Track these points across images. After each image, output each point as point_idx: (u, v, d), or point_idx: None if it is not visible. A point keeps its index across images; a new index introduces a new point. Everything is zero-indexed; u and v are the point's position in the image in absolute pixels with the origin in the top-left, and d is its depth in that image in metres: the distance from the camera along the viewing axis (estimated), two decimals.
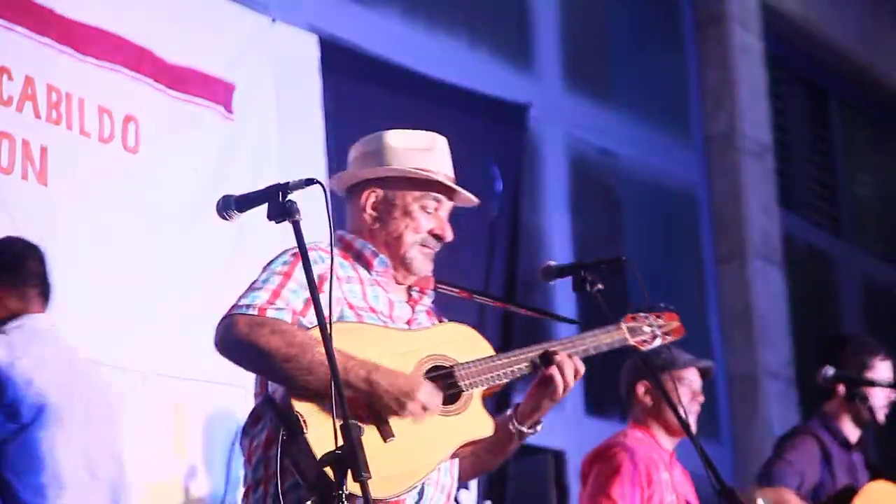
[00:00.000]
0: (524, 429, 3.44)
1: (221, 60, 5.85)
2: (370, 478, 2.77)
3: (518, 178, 7.05)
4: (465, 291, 3.88)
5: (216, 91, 5.82)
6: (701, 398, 5.02)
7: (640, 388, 5.02)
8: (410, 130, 3.53)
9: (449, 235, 3.50)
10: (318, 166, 6.00)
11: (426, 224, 3.47)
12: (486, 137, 6.73)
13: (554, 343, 3.49)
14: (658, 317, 3.74)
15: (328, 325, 2.95)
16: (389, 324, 3.39)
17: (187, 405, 5.45)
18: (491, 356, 3.40)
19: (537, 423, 3.47)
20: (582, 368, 3.45)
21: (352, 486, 2.83)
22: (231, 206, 3.20)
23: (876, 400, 5.56)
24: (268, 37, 6.09)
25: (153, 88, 5.55)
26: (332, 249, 3.12)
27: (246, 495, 3.33)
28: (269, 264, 3.34)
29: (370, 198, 3.48)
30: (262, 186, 3.19)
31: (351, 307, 3.34)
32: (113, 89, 5.41)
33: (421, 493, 3.28)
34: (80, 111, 5.28)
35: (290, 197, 3.11)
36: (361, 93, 6.46)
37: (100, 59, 5.36)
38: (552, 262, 4.01)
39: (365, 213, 3.48)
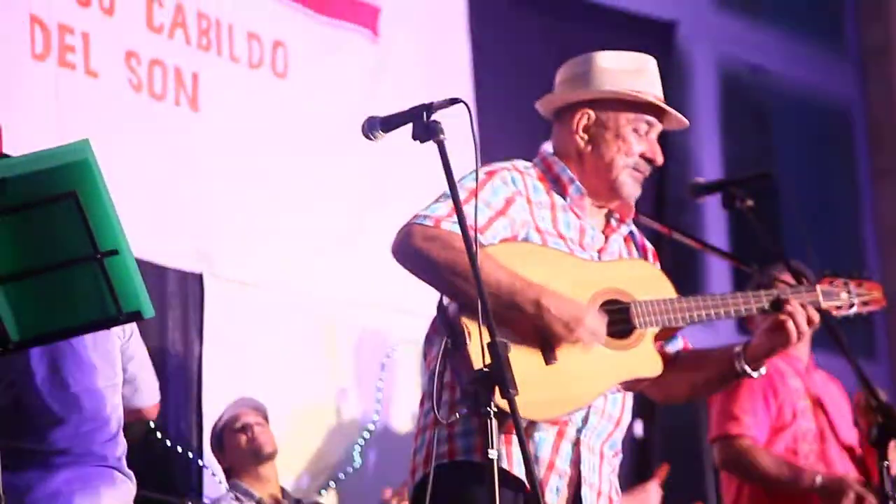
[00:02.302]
0: (749, 369, 3.43)
1: None
2: (517, 394, 2.79)
3: (666, 97, 6.95)
4: (665, 227, 3.84)
5: (363, 14, 5.85)
6: None
7: None
8: (620, 52, 3.48)
9: (660, 159, 3.45)
10: (464, 87, 6.00)
11: (638, 147, 3.42)
12: None
13: (759, 294, 3.42)
14: (859, 284, 3.61)
15: (474, 242, 2.95)
16: (577, 251, 3.36)
17: (338, 326, 5.54)
18: (671, 298, 3.36)
19: (762, 364, 3.45)
20: (816, 317, 3.40)
21: (501, 403, 2.86)
22: (376, 126, 3.20)
23: None
24: None
25: (301, 13, 5.60)
26: (476, 168, 3.12)
27: (421, 403, 3.38)
28: (459, 180, 3.27)
29: (582, 119, 3.43)
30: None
31: (538, 230, 3.33)
32: (261, 15, 5.47)
33: (585, 420, 3.29)
34: (229, 37, 5.36)
35: (434, 117, 3.11)
36: (506, 14, 6.42)
37: None
38: (700, 179, 3.96)
39: (576, 136, 3.44)
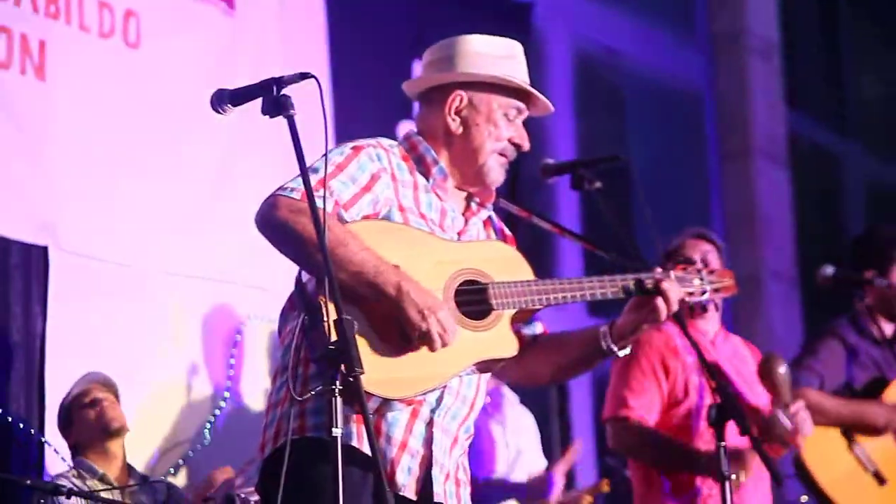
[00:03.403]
0: (615, 347, 3.46)
1: None
2: (362, 373, 2.79)
3: None
4: (524, 211, 3.85)
5: None
6: None
7: None
8: (489, 36, 3.47)
9: (527, 145, 3.47)
10: (320, 64, 5.96)
11: (507, 132, 3.44)
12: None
13: (603, 279, 3.45)
14: (711, 271, 3.68)
15: (323, 221, 2.94)
16: (437, 231, 3.37)
17: (188, 302, 5.47)
18: (528, 280, 3.39)
19: (628, 343, 3.48)
20: (681, 292, 3.46)
21: (364, 385, 2.86)
22: (225, 99, 3.17)
23: None
24: None
25: None
26: (326, 144, 3.10)
27: (274, 378, 3.36)
28: (325, 154, 3.27)
29: (455, 101, 3.43)
30: None
31: (401, 209, 3.33)
32: None
33: (439, 401, 3.30)
34: (79, 5, 5.24)
35: (284, 91, 3.08)
36: None
37: None
38: (550, 160, 3.98)
39: (448, 117, 3.43)
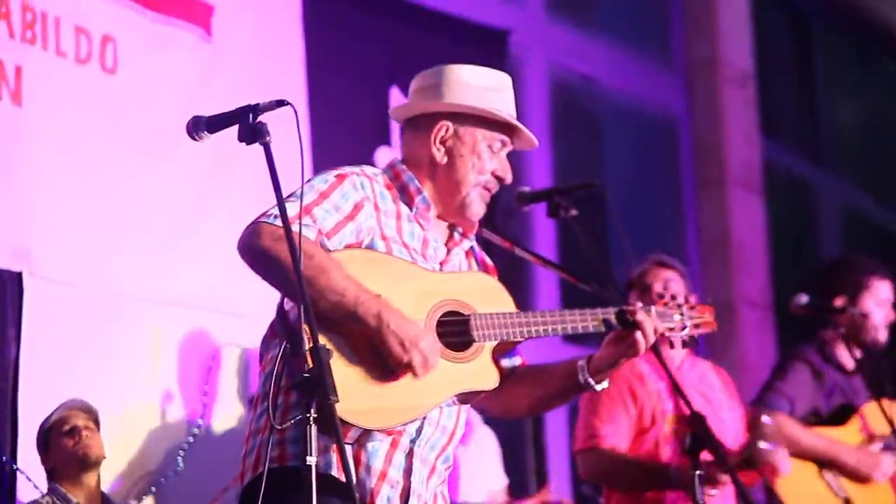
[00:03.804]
0: (592, 382, 3.46)
1: None
2: (336, 402, 2.79)
3: None
4: (508, 241, 3.86)
5: (195, 12, 5.76)
6: None
7: None
8: (478, 67, 3.49)
9: (510, 178, 3.48)
10: (297, 89, 5.96)
11: (490, 164, 3.45)
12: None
13: (584, 312, 3.46)
14: (692, 307, 3.70)
15: (299, 248, 2.94)
16: (419, 261, 3.37)
17: (164, 328, 5.45)
18: (510, 312, 3.39)
19: (606, 377, 3.48)
20: (661, 327, 3.46)
21: (344, 414, 2.85)
22: (201, 126, 3.18)
23: (874, 320, 5.57)
24: None
25: (131, 9, 5.49)
26: (302, 171, 3.10)
27: (254, 406, 3.36)
28: (309, 180, 3.29)
29: (440, 131, 3.43)
30: None
31: (384, 238, 3.33)
32: (90, 9, 5.35)
33: (419, 431, 3.30)
34: (55, 31, 5.23)
35: (260, 118, 3.08)
36: (341, 15, 6.41)
37: None
38: (526, 188, 4.00)
39: (433, 147, 3.44)
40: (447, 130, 3.44)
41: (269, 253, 3.16)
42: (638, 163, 9.07)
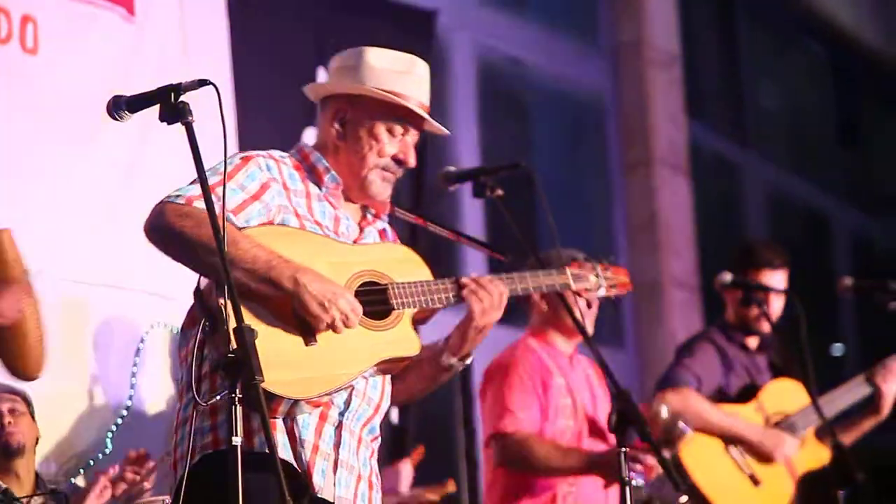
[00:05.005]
0: (454, 361, 3.47)
1: None
2: (262, 381, 2.78)
3: None
4: (420, 219, 3.87)
5: None
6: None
7: (536, 294, 4.93)
8: (392, 51, 3.49)
9: (412, 162, 3.48)
10: (222, 70, 5.92)
11: (390, 148, 3.45)
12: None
13: (494, 278, 3.48)
14: (606, 268, 3.74)
15: (222, 226, 2.93)
16: (332, 236, 3.38)
17: (93, 309, 5.41)
18: (427, 280, 3.41)
19: (468, 354, 3.49)
20: (503, 294, 3.45)
21: (269, 386, 2.83)
22: (122, 106, 3.16)
23: (772, 305, 5.69)
24: None
25: None
26: (225, 149, 3.09)
27: (180, 397, 3.35)
28: (213, 165, 3.27)
29: (339, 112, 3.46)
30: None
31: (297, 215, 3.34)
32: None
33: (347, 403, 3.31)
34: None
35: (182, 98, 3.07)
36: None
37: None
38: (451, 168, 4.01)
39: (332, 128, 3.47)
40: (345, 112, 3.46)
41: (172, 229, 3.17)
42: (566, 144, 9.12)
